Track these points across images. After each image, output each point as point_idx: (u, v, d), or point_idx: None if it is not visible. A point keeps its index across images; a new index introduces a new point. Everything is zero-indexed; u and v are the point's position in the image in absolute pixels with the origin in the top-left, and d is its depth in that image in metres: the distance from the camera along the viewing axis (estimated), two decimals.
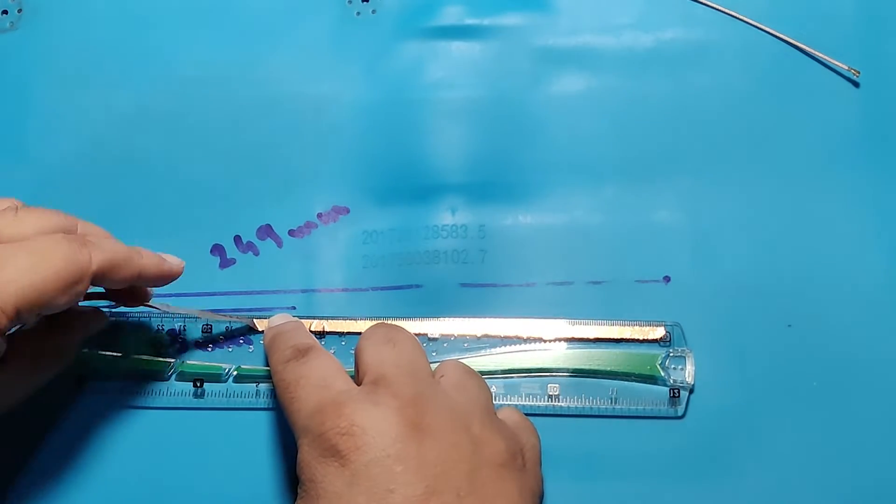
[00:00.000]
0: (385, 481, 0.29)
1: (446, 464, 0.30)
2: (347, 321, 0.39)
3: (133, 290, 0.36)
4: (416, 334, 0.38)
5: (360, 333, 0.38)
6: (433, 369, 0.35)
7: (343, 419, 0.31)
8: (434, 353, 0.39)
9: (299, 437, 0.32)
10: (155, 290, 0.37)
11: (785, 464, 0.38)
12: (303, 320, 0.39)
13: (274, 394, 0.37)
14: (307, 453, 0.31)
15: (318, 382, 0.33)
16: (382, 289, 0.40)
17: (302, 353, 0.34)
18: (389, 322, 0.37)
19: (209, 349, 0.39)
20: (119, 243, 0.34)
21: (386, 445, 0.30)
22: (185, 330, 0.39)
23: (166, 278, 0.35)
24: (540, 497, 0.33)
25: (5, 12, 0.43)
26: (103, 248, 0.32)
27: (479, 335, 0.39)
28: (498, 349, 0.39)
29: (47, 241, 0.31)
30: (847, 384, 0.38)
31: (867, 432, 0.38)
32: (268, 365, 0.37)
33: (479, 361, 0.39)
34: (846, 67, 0.41)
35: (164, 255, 0.36)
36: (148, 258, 0.34)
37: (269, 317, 0.39)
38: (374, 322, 0.38)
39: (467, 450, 0.31)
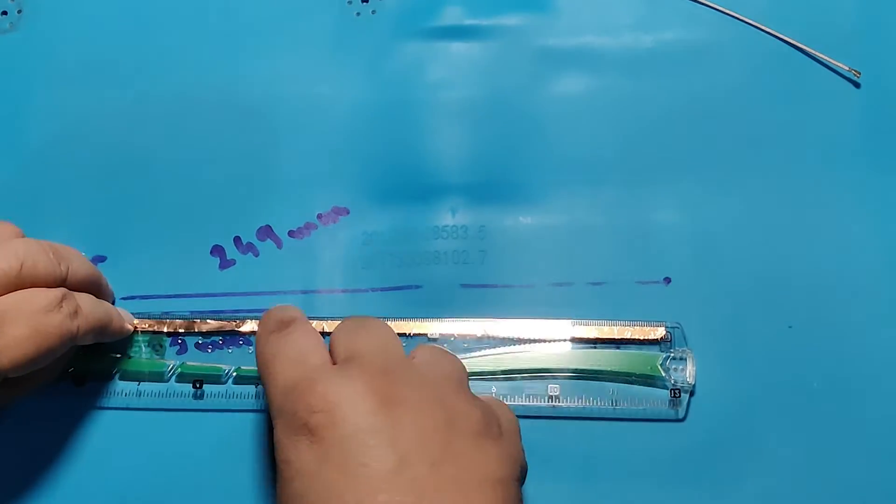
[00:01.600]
0: (358, 455, 0.29)
1: (420, 434, 0.30)
2: None
3: None
4: (415, 334, 0.38)
5: None
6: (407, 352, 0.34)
7: (314, 397, 0.30)
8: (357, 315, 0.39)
9: (275, 418, 0.31)
10: (155, 291, 0.38)
11: (785, 465, 0.38)
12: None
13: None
14: (281, 433, 0.31)
15: (294, 357, 0.33)
16: (382, 289, 0.40)
17: (285, 324, 0.34)
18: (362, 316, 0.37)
19: (209, 350, 0.39)
20: (100, 305, 0.36)
21: (357, 420, 0.30)
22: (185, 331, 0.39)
23: (122, 336, 0.39)
24: (523, 467, 0.32)
25: (5, 13, 0.43)
26: (88, 318, 0.35)
27: (479, 335, 0.39)
28: (498, 350, 0.39)
29: (46, 314, 0.33)
30: (848, 385, 0.38)
31: (868, 433, 0.38)
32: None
33: (480, 362, 0.39)
34: (847, 68, 0.41)
35: (123, 314, 0.39)
36: (116, 322, 0.38)
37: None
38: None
39: (441, 419, 0.30)
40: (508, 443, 0.32)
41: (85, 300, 0.35)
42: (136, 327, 0.39)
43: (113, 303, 0.40)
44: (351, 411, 0.30)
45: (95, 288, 0.37)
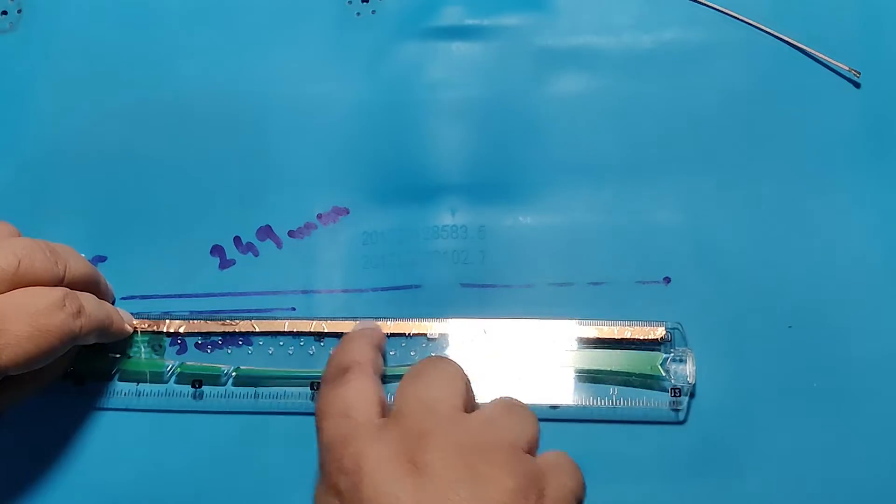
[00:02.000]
0: None
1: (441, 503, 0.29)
2: (347, 322, 0.39)
3: None
4: (415, 335, 0.38)
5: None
6: (480, 405, 0.33)
7: (346, 457, 0.30)
8: (433, 354, 0.39)
9: (319, 465, 0.31)
10: (155, 291, 0.38)
11: (785, 465, 0.38)
12: (303, 321, 0.39)
13: (272, 395, 0.38)
14: (318, 488, 0.31)
15: (341, 412, 0.32)
16: (382, 289, 0.40)
17: (342, 372, 0.33)
18: (438, 356, 0.36)
19: (208, 350, 0.39)
20: (102, 305, 0.36)
21: (380, 485, 0.29)
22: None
23: (123, 337, 0.39)
24: None
25: (5, 13, 0.43)
26: (91, 318, 0.35)
27: (478, 335, 0.39)
28: (498, 350, 0.39)
29: (48, 313, 0.33)
30: (848, 385, 0.38)
31: (868, 433, 0.38)
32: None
33: (479, 363, 0.39)
34: (847, 68, 0.41)
35: (123, 314, 0.39)
36: (117, 321, 0.38)
37: (268, 318, 0.39)
38: (378, 322, 0.39)
39: (465, 489, 0.29)
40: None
41: (87, 300, 0.35)
42: (135, 328, 0.39)
43: (113, 303, 0.40)
44: (375, 475, 0.29)
45: (94, 287, 0.37)
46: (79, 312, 0.34)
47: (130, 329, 0.39)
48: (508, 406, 0.33)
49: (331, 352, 0.35)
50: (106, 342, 0.38)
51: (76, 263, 0.36)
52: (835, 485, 0.37)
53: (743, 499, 0.37)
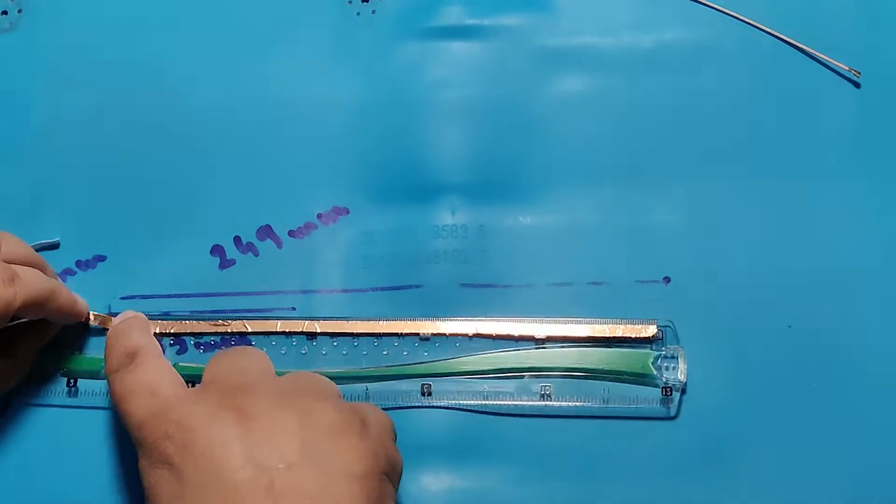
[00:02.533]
0: (214, 470, 0.29)
1: (273, 439, 0.30)
2: (339, 321, 0.39)
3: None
4: (407, 334, 0.38)
5: (352, 334, 0.39)
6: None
7: (169, 425, 0.31)
8: (426, 353, 0.39)
9: (136, 447, 0.32)
10: (156, 291, 0.38)
11: (785, 464, 0.38)
12: (295, 321, 0.39)
13: None
14: (142, 464, 0.31)
15: (146, 391, 0.33)
16: (382, 289, 0.40)
17: (130, 358, 0.34)
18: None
19: (208, 350, 0.39)
20: (43, 278, 0.35)
21: (210, 437, 0.30)
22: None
23: (76, 318, 0.38)
24: (392, 464, 0.32)
25: (5, 13, 0.43)
26: (27, 286, 0.34)
27: (470, 334, 0.39)
28: (490, 349, 0.39)
29: None
30: (847, 385, 0.38)
31: (868, 433, 0.38)
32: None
33: (471, 360, 0.39)
34: (846, 67, 0.41)
35: (76, 297, 0.38)
36: (65, 297, 0.36)
37: (269, 318, 0.39)
38: (370, 321, 0.39)
39: (294, 422, 0.31)
40: (373, 440, 0.32)
41: (25, 271, 0.35)
42: (89, 315, 0.38)
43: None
44: (204, 431, 0.30)
45: (38, 268, 0.36)
46: (12, 280, 0.33)
47: (84, 311, 0.38)
48: (310, 373, 0.35)
49: (107, 342, 0.36)
50: (61, 322, 0.38)
51: (14, 244, 0.36)
52: (835, 484, 0.38)
53: (742, 498, 0.37)
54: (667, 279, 0.40)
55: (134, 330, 0.36)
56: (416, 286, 0.40)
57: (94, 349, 0.39)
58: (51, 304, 0.36)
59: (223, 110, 0.42)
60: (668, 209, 0.40)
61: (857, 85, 0.41)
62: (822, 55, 0.41)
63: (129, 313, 0.38)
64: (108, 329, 0.36)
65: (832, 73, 0.42)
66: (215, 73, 0.42)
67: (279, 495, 0.29)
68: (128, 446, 0.38)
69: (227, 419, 0.31)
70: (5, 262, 0.34)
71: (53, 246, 0.40)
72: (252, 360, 0.34)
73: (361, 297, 0.40)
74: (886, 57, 0.42)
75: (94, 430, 0.39)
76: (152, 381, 0.33)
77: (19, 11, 0.43)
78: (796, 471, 0.38)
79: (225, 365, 0.34)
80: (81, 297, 0.38)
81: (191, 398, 0.32)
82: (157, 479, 0.30)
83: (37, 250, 0.38)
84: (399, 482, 0.33)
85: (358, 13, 0.43)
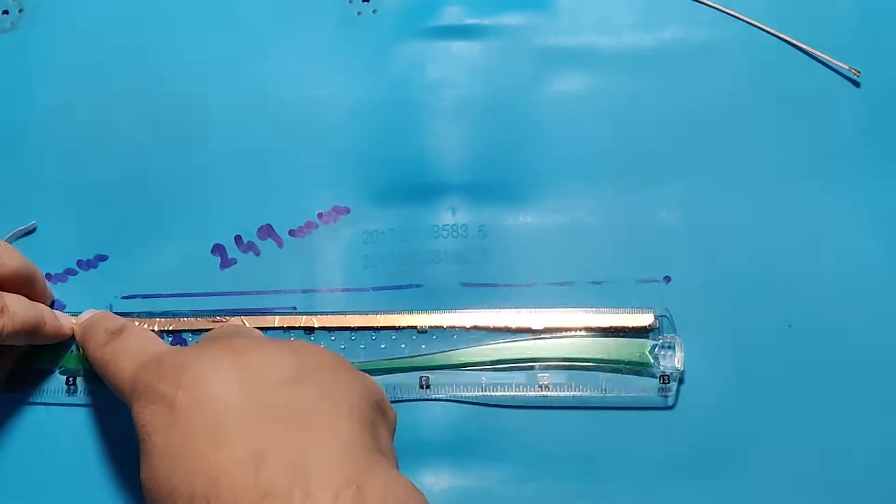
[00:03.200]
0: (205, 394, 0.30)
1: (267, 366, 0.31)
2: (337, 316, 0.39)
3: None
4: (406, 327, 0.39)
5: (350, 328, 0.39)
6: None
7: (162, 366, 0.31)
8: (423, 346, 0.39)
9: (129, 403, 0.32)
10: (156, 290, 0.38)
11: (783, 456, 0.38)
12: (292, 316, 0.39)
13: None
14: (136, 409, 0.31)
15: (137, 350, 0.33)
16: (383, 288, 0.40)
17: (116, 333, 0.35)
18: None
19: None
20: (32, 307, 0.36)
21: (203, 368, 0.30)
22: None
23: (60, 339, 0.38)
24: (382, 399, 0.33)
25: (5, 12, 0.43)
26: (16, 318, 0.35)
27: (468, 326, 0.39)
28: (488, 339, 0.39)
29: None
30: (847, 384, 0.38)
31: (868, 433, 0.38)
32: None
33: (469, 352, 0.39)
34: (846, 67, 0.41)
35: (60, 316, 0.38)
36: (50, 323, 0.37)
37: (267, 313, 0.39)
38: (367, 315, 0.39)
39: (288, 354, 0.31)
40: (364, 376, 0.33)
41: (13, 300, 0.35)
42: (73, 331, 0.38)
43: (52, 304, 0.39)
44: (196, 364, 0.31)
45: (27, 285, 0.37)
46: (1, 311, 0.34)
47: (69, 332, 0.38)
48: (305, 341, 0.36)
49: (76, 335, 0.37)
50: (42, 343, 0.38)
51: (8, 259, 0.36)
52: (834, 483, 0.38)
53: (739, 495, 0.38)
54: (667, 278, 0.40)
55: (111, 317, 0.37)
56: (417, 285, 0.40)
57: None
58: (37, 332, 0.36)
59: (224, 110, 0.42)
60: (668, 209, 0.41)
61: (857, 85, 0.42)
62: (822, 55, 0.42)
63: (93, 311, 0.38)
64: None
65: (832, 72, 0.42)
66: (216, 73, 0.42)
67: (276, 415, 0.29)
68: (128, 445, 0.38)
69: (220, 352, 0.31)
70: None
71: (30, 231, 0.40)
72: (243, 327, 0.36)
73: (362, 297, 0.40)
74: (886, 57, 0.42)
75: (93, 428, 0.39)
76: (142, 343, 0.34)
77: (20, 11, 0.43)
78: (794, 463, 0.38)
79: (215, 329, 0.35)
80: (82, 295, 0.39)
81: (183, 349, 0.33)
82: (150, 416, 0.30)
83: (15, 238, 0.38)
84: (394, 433, 0.33)
85: (358, 13, 0.43)
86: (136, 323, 0.38)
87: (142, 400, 0.31)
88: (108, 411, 0.39)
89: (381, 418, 0.32)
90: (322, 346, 0.33)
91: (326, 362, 0.32)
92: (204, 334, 0.36)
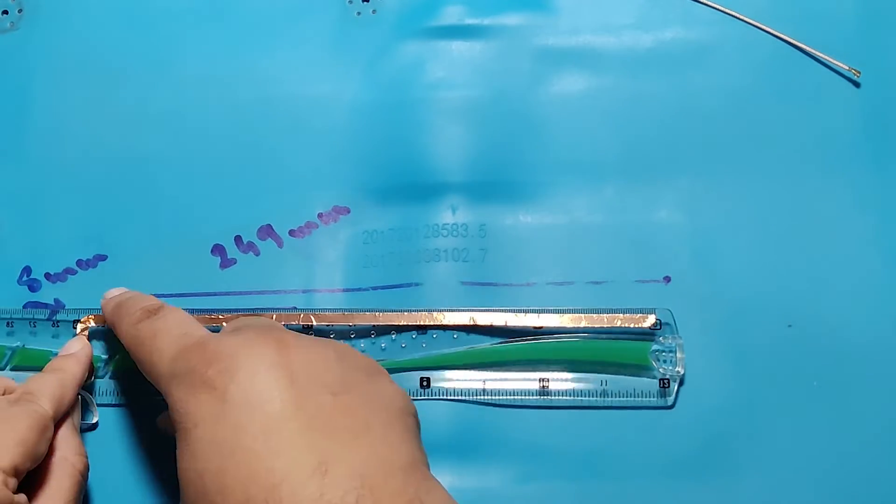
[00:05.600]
0: (260, 393, 0.29)
1: (316, 369, 0.30)
2: (335, 313, 0.39)
3: None
4: (406, 326, 0.39)
5: (347, 325, 0.39)
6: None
7: (208, 352, 0.31)
8: (424, 345, 0.39)
9: (167, 385, 0.31)
10: (156, 290, 0.38)
11: (784, 463, 0.38)
12: (293, 314, 0.39)
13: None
14: (177, 394, 0.30)
15: (177, 332, 0.33)
16: (383, 288, 0.40)
17: (153, 311, 0.34)
18: None
19: None
20: (56, 382, 0.35)
21: (255, 362, 0.30)
22: None
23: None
24: (415, 411, 0.33)
25: (5, 12, 0.43)
26: (52, 400, 0.34)
27: (468, 326, 0.39)
28: (487, 340, 0.39)
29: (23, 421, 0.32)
30: (847, 384, 0.38)
31: (867, 433, 0.38)
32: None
33: (469, 352, 0.39)
34: (846, 67, 0.41)
35: (81, 360, 0.37)
36: (72, 376, 0.36)
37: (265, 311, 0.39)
38: (366, 313, 0.39)
39: (333, 357, 0.31)
40: (398, 387, 0.33)
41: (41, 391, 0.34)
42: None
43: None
44: (246, 356, 0.30)
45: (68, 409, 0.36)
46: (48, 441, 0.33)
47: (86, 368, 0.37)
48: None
49: (105, 310, 0.36)
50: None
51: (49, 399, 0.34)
52: (834, 483, 0.38)
53: (740, 496, 0.38)
54: (667, 279, 0.40)
55: (146, 297, 0.36)
56: (417, 285, 0.40)
57: (95, 349, 0.39)
58: (67, 398, 0.35)
59: (224, 110, 0.42)
60: (668, 209, 0.41)
61: (857, 85, 0.42)
62: (822, 55, 0.42)
63: (122, 289, 0.37)
64: (103, 323, 0.37)
65: (832, 72, 0.42)
66: (216, 73, 0.42)
67: (326, 420, 0.29)
68: (129, 445, 0.38)
69: (267, 345, 0.31)
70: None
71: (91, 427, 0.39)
72: (273, 321, 0.35)
73: (362, 296, 0.40)
74: (886, 57, 0.42)
75: (98, 429, 0.39)
76: (182, 325, 0.33)
77: (20, 11, 0.43)
78: (794, 463, 0.38)
79: (245, 318, 0.35)
80: (82, 295, 0.39)
81: (227, 334, 0.32)
82: (196, 403, 0.30)
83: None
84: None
85: (358, 13, 0.43)
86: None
87: (183, 385, 0.30)
88: (109, 412, 0.39)
89: (419, 431, 0.32)
90: (363, 353, 0.33)
91: (370, 368, 0.32)
92: (233, 322, 0.35)
